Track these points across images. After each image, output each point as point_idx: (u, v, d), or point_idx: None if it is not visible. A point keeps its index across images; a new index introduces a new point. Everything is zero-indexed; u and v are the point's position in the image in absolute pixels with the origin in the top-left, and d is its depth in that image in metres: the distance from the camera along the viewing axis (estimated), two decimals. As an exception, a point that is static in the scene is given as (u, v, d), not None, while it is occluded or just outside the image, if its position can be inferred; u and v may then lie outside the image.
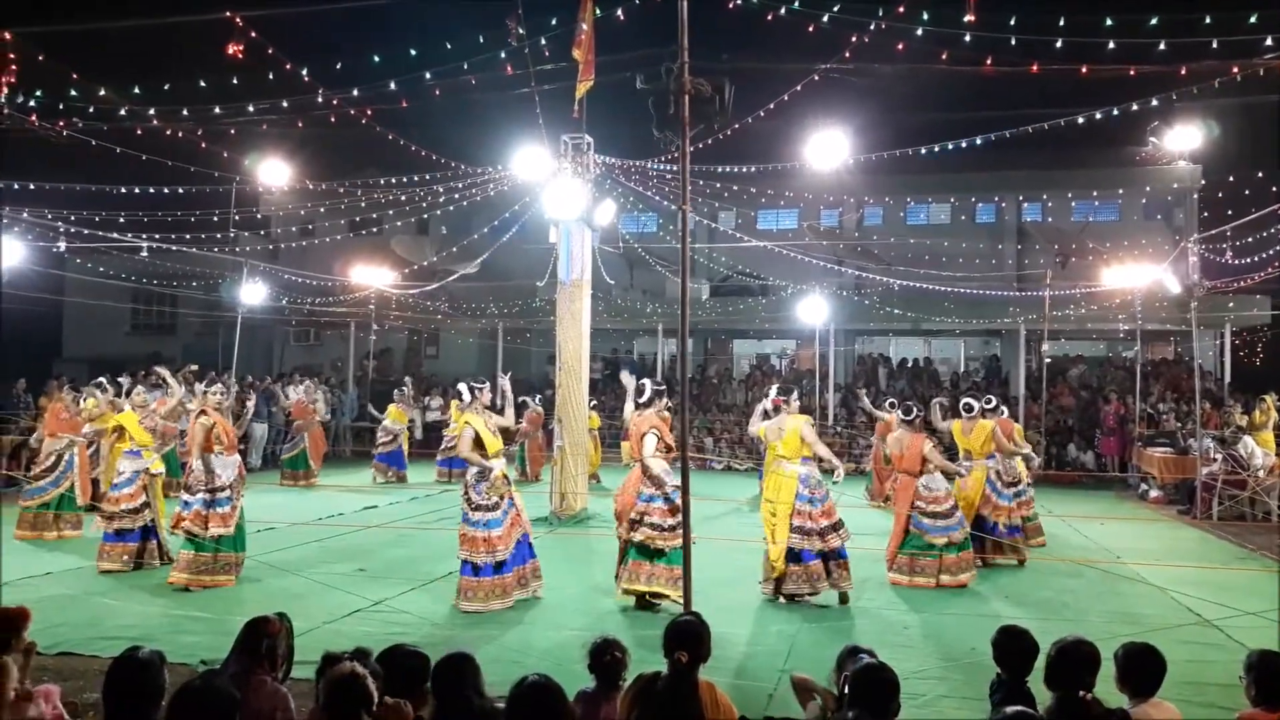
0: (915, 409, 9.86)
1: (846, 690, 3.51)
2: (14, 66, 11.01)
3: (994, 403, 11.33)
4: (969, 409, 10.79)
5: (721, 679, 5.86)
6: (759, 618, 8.02)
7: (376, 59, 12.28)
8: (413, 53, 12.02)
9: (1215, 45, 9.46)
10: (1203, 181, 25.52)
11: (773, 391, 8.96)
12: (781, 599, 8.42)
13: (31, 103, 12.08)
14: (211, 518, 8.80)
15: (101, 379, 12.49)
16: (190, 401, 11.88)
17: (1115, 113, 11.26)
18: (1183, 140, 23.63)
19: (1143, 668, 3.85)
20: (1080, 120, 11.50)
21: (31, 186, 15.29)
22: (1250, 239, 16.28)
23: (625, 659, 4.19)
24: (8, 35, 10.57)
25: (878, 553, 9.65)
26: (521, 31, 10.08)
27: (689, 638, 3.96)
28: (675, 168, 15.09)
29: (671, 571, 7.87)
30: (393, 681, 3.66)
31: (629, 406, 8.83)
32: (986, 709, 4.36)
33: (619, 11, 11.09)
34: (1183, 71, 10.03)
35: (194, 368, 17.24)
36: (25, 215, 15.47)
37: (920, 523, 9.25)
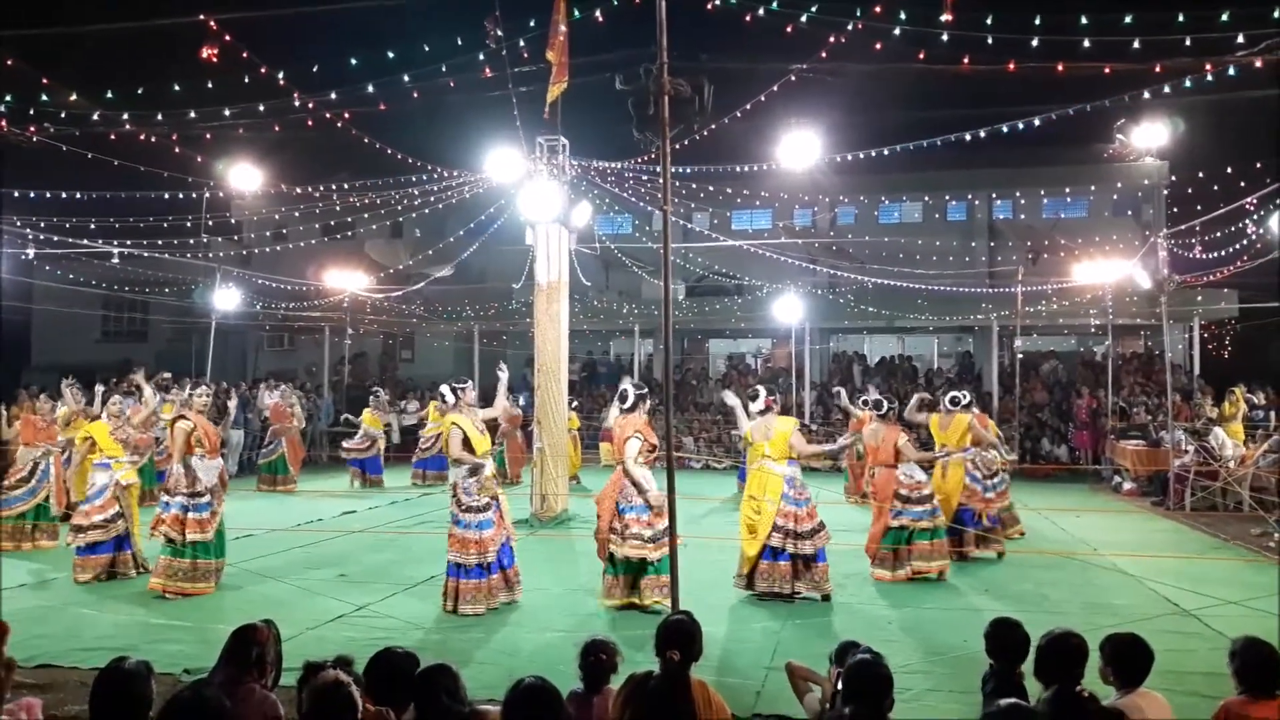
0: (886, 403, 9.96)
1: (841, 686, 3.53)
2: (-18, 71, 10.86)
3: (967, 399, 11.40)
4: (955, 402, 10.90)
5: (708, 677, 5.86)
6: (743, 616, 8.04)
7: (353, 61, 12.21)
8: (390, 55, 11.97)
9: (1189, 43, 9.59)
10: (1171, 178, 25.85)
11: (763, 392, 8.93)
12: (756, 595, 8.45)
13: (1, 108, 11.92)
14: (189, 523, 8.71)
15: (73, 380, 12.32)
16: (163, 410, 11.78)
17: (1089, 109, 11.39)
18: (1150, 137, 23.91)
19: (1130, 658, 3.90)
20: (1054, 117, 11.62)
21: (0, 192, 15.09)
22: (1218, 234, 16.49)
23: (613, 660, 4.19)
24: (-25, 40, 10.44)
25: (857, 549, 9.71)
26: (499, 34, 10.05)
27: (681, 637, 3.97)
28: (652, 169, 15.15)
29: (658, 580, 7.89)
30: (383, 684, 3.64)
31: (613, 412, 8.83)
32: (973, 702, 4.41)
33: (597, 12, 11.07)
34: (1157, 69, 10.15)
35: (167, 375, 17.07)
36: (-6, 222, 15.28)
37: (904, 511, 9.33)
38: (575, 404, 18.48)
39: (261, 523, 12.51)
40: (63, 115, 12.03)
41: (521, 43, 11.34)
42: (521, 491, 14.30)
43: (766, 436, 8.58)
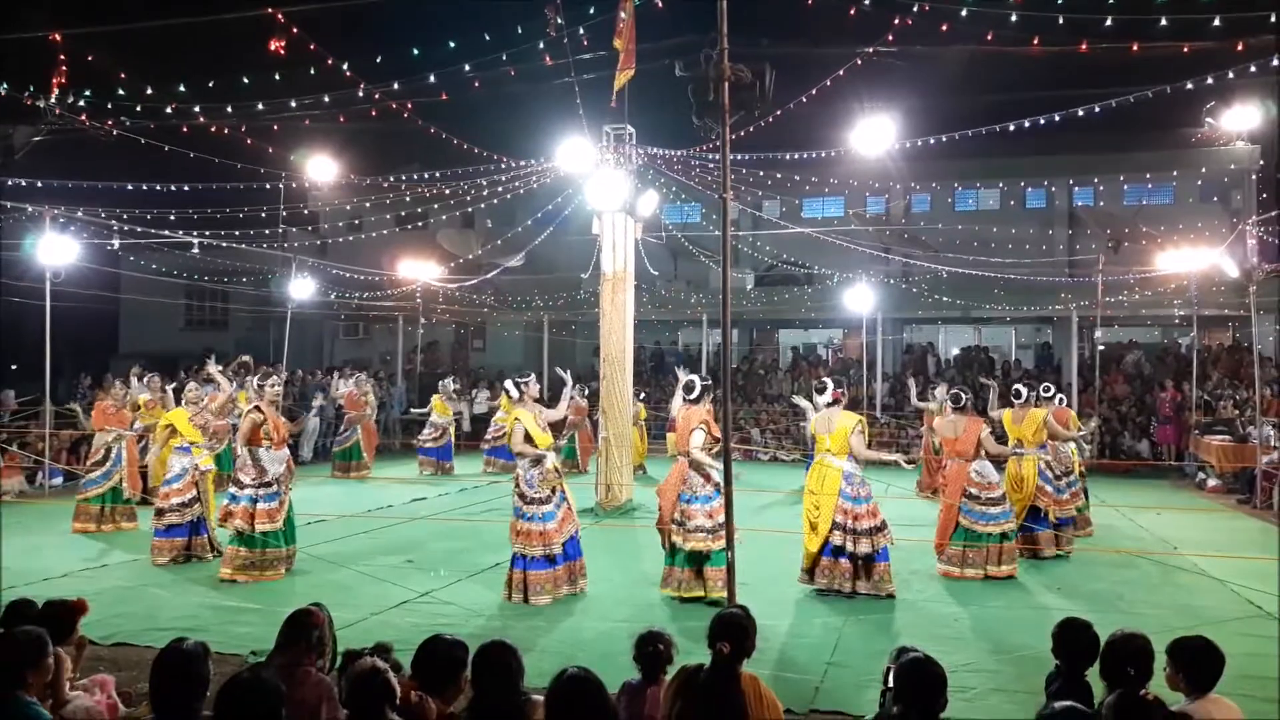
0: (964, 395, 9.71)
1: (892, 684, 3.45)
2: (64, 67, 11.24)
3: (1051, 390, 11.13)
4: (1019, 395, 10.60)
5: (767, 671, 5.84)
6: (804, 610, 7.95)
7: (416, 52, 12.33)
8: (452, 45, 12.04)
9: (1274, 19, 9.11)
10: (1260, 162, 24.84)
11: (830, 384, 8.72)
12: (817, 590, 8.33)
13: (81, 103, 12.31)
14: (258, 514, 8.88)
15: (139, 370, 12.65)
16: (239, 397, 12.07)
17: (1169, 91, 10.92)
18: (1240, 120, 22.99)
19: (1200, 662, 3.73)
20: (1132, 100, 11.19)
21: (85, 185, 15.59)
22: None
23: (669, 651, 4.18)
24: (57, 37, 10.79)
25: (926, 544, 9.52)
26: (560, 22, 10.04)
27: (734, 630, 3.93)
28: (717, 156, 15.03)
29: (720, 573, 7.81)
30: (431, 671, 3.67)
31: (676, 401, 8.79)
32: (1037, 703, 4.28)
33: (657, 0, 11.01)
34: (1239, 48, 9.69)
35: (246, 358, 17.46)
36: (80, 214, 15.78)
37: (971, 511, 9.10)
38: (643, 395, 18.50)
39: (333, 508, 12.76)
40: (138, 109, 12.38)
41: (582, 30, 11.31)
42: (587, 481, 14.35)
43: (828, 430, 8.42)
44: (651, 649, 4.17)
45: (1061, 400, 12.03)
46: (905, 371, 24.22)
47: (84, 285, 17.74)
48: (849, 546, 8.13)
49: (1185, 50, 9.90)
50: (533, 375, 8.90)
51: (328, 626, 4.17)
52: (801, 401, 9.14)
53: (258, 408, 9.19)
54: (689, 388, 8.51)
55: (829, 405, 8.56)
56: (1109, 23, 9.75)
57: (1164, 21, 9.55)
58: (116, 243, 16.95)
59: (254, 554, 8.84)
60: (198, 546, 9.76)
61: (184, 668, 3.41)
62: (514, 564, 8.17)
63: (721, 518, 7.82)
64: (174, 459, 10.09)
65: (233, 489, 9.16)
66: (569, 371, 9.71)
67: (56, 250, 14.22)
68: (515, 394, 8.59)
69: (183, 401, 10.62)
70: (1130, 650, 3.69)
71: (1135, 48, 9.93)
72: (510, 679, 3.52)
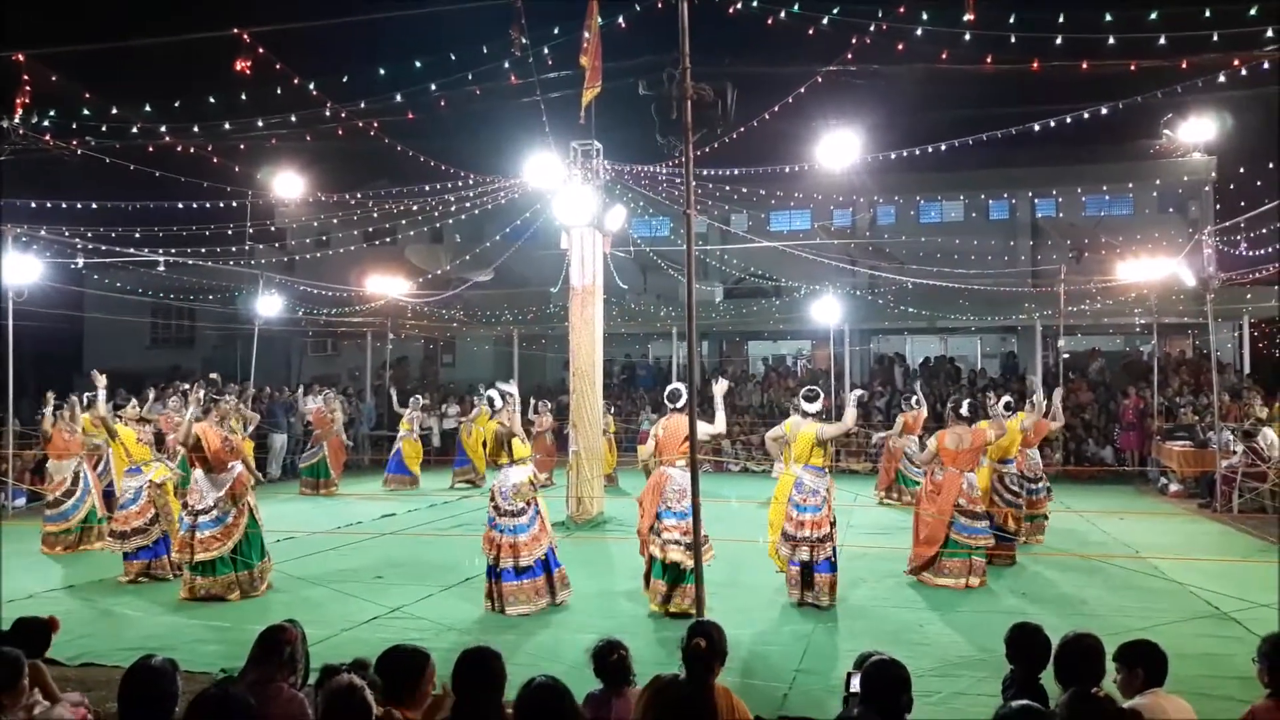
0: (971, 407, 9.84)
1: (858, 687, 3.52)
2: (28, 87, 11.18)
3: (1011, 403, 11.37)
4: (1009, 407, 10.78)
5: (736, 679, 5.90)
6: (773, 618, 8.03)
7: (382, 71, 12.37)
8: (418, 64, 12.10)
9: (1216, 38, 9.41)
10: (1213, 174, 25.37)
11: (821, 395, 8.84)
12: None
13: (45, 122, 12.24)
14: (196, 543, 8.70)
15: (71, 397, 12.33)
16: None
17: (1120, 107, 11.23)
18: (1196, 132, 23.48)
19: (1148, 662, 3.85)
20: (1085, 115, 11.48)
21: (49, 204, 15.47)
22: (1266, 230, 16.16)
23: (629, 657, 4.22)
24: (20, 57, 10.74)
25: (895, 551, 9.63)
26: (525, 41, 10.13)
27: (709, 634, 3.99)
28: (683, 171, 15.14)
29: (691, 589, 7.86)
30: (394, 680, 3.69)
31: (656, 420, 8.90)
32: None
33: (620, 19, 11.14)
34: (1184, 65, 9.99)
35: (215, 376, 17.33)
36: (43, 232, 15.64)
37: (956, 521, 9.21)
38: (613, 408, 18.55)
39: (302, 525, 12.68)
40: (104, 129, 12.34)
41: (546, 50, 11.41)
42: (556, 494, 14.37)
43: (793, 439, 8.55)
44: (615, 657, 4.20)
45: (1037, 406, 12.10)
46: (873, 382, 24.40)
47: (47, 304, 17.54)
48: (800, 555, 8.26)
49: (1132, 68, 10.17)
50: (515, 389, 8.91)
51: (300, 643, 4.17)
52: (771, 448, 9.21)
53: (197, 420, 8.82)
54: (674, 396, 8.57)
55: (806, 415, 8.65)
56: (1060, 41, 10.00)
57: (1112, 41, 9.82)
58: (80, 261, 16.82)
59: (205, 580, 8.70)
60: (158, 566, 9.62)
61: (152, 685, 3.40)
62: (488, 575, 8.23)
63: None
64: (126, 481, 9.96)
65: (184, 514, 9.00)
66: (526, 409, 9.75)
67: (19, 269, 14.06)
68: (500, 404, 8.63)
69: (124, 419, 10.36)
70: (1081, 649, 3.79)
71: (1085, 66, 10.19)
72: (492, 683, 3.53)
